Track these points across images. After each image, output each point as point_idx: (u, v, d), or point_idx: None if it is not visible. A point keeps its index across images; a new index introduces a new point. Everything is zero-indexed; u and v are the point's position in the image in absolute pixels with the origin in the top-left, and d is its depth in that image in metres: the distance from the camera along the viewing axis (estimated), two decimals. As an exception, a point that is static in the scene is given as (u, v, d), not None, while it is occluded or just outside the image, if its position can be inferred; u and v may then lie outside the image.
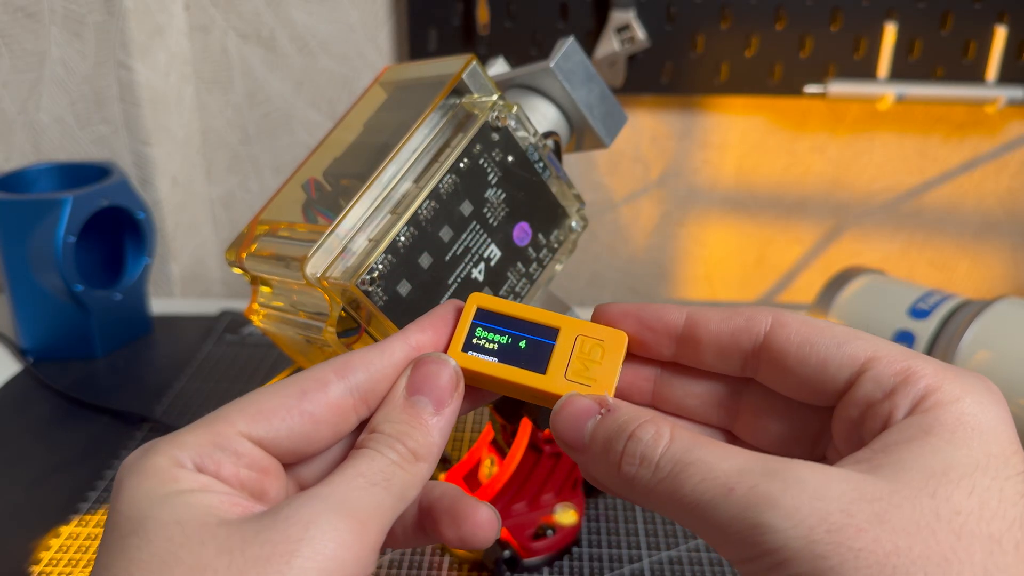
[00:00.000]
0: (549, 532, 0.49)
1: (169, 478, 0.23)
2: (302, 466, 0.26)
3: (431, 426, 0.25)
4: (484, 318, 0.28)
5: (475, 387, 0.28)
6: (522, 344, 0.28)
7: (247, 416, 0.24)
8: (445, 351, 0.27)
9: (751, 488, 0.21)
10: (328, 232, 0.37)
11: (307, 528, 0.21)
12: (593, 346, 0.28)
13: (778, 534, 0.20)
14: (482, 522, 0.26)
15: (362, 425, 0.26)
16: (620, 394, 0.28)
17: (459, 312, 0.28)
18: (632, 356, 0.28)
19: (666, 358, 0.28)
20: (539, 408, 0.41)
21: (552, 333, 0.28)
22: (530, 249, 0.42)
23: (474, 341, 0.28)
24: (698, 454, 0.23)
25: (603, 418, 0.25)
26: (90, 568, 0.49)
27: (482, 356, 0.27)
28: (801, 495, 0.20)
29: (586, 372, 0.27)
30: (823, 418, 0.26)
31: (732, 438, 0.28)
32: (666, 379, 0.28)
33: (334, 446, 0.27)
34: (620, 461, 0.24)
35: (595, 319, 0.29)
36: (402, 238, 0.37)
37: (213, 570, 0.20)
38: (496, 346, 0.28)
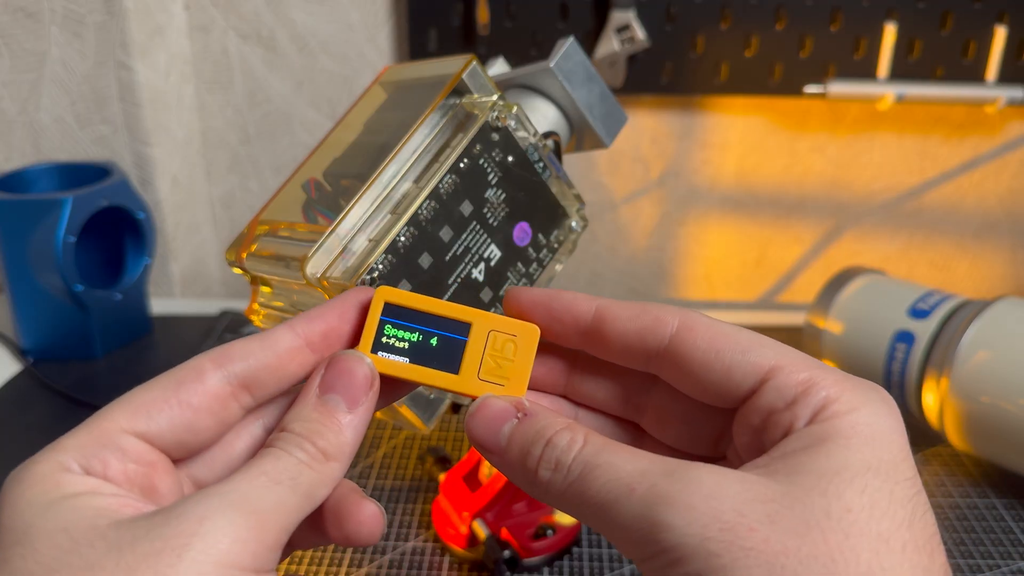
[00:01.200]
0: (549, 532, 0.49)
1: (53, 484, 0.22)
2: (201, 467, 0.26)
3: (344, 425, 0.25)
4: (393, 314, 0.27)
5: (389, 384, 0.27)
6: (433, 341, 0.27)
7: (127, 412, 0.24)
8: (349, 343, 0.27)
9: (650, 487, 0.22)
10: (328, 232, 0.37)
11: (201, 523, 0.21)
12: (505, 342, 0.27)
13: (674, 532, 0.21)
14: (365, 519, 0.25)
15: (265, 426, 0.26)
16: (534, 383, 0.28)
17: (361, 304, 0.27)
18: (545, 345, 0.28)
19: (574, 347, 0.28)
20: None
21: (464, 328, 0.27)
22: (530, 249, 0.42)
23: (383, 340, 0.27)
24: (605, 457, 0.23)
25: (520, 423, 0.25)
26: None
27: (392, 357, 0.27)
28: (696, 494, 0.21)
29: (499, 370, 0.27)
30: (726, 418, 0.26)
31: (640, 432, 0.29)
32: (578, 371, 0.29)
33: (238, 446, 0.26)
34: (537, 466, 0.24)
35: (506, 304, 0.28)
36: (402, 238, 0.37)
37: (102, 568, 0.20)
38: (407, 345, 0.27)
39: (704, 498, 0.21)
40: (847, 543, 0.20)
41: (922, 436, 0.63)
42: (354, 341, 0.27)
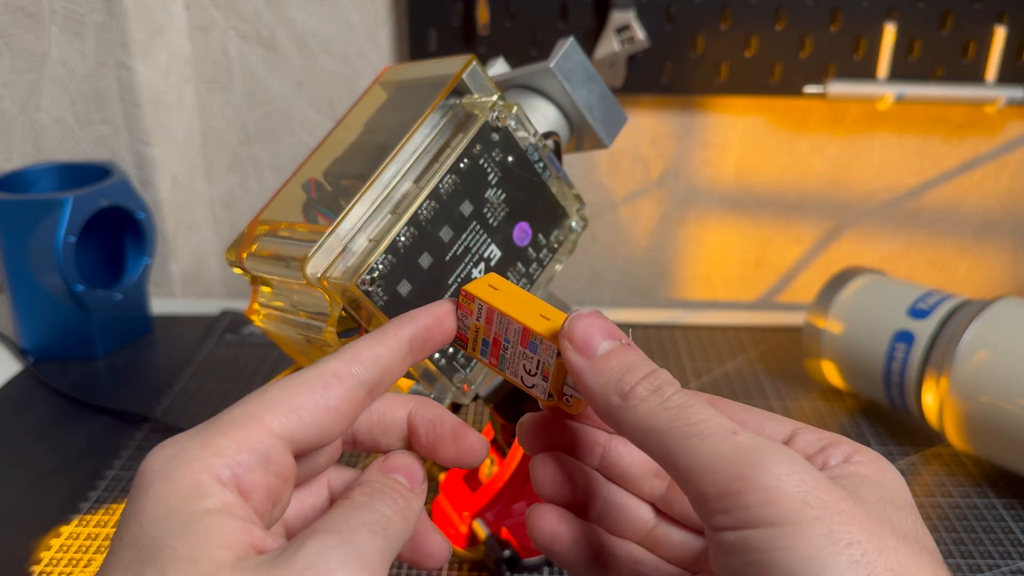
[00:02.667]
0: (549, 532, 0.49)
1: (197, 494, 0.22)
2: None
3: (413, 497, 0.26)
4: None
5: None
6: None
7: (280, 415, 0.24)
8: (439, 345, 0.28)
9: (752, 438, 0.23)
10: (328, 232, 0.37)
11: None
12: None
13: (775, 478, 0.22)
14: (435, 550, 0.28)
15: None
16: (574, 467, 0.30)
17: (447, 311, 0.29)
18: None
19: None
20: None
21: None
22: (530, 249, 0.42)
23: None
24: (703, 406, 0.24)
25: (625, 346, 0.26)
26: (91, 568, 0.49)
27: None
28: (794, 458, 0.23)
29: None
30: None
31: (658, 512, 0.30)
32: (612, 448, 0.30)
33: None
34: (638, 383, 0.25)
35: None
36: (402, 238, 0.37)
37: None
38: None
39: (803, 465, 0.22)
40: (907, 537, 0.23)
41: (922, 436, 0.63)
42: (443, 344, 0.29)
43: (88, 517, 0.54)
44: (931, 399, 0.58)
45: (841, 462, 0.25)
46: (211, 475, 0.22)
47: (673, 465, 0.23)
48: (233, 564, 0.21)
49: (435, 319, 0.28)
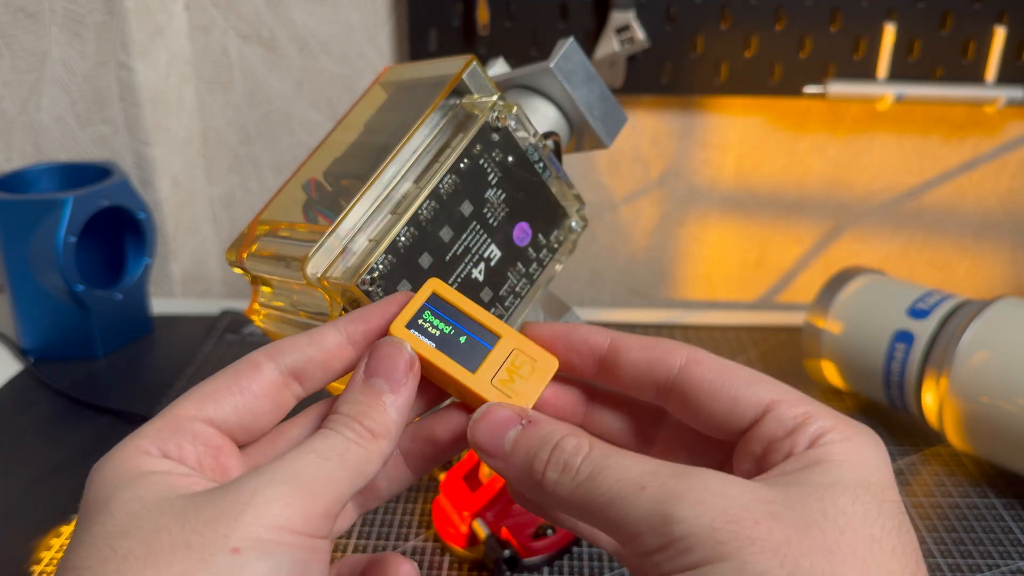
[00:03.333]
0: (549, 531, 0.49)
1: (133, 465, 0.25)
2: (263, 454, 0.28)
3: (388, 405, 0.27)
4: (436, 304, 0.30)
5: (428, 386, 0.29)
6: (462, 339, 0.29)
7: (195, 401, 0.27)
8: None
9: (661, 485, 0.24)
10: (328, 232, 0.37)
11: (254, 494, 0.23)
12: (525, 362, 0.29)
13: (684, 523, 0.22)
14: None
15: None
16: (555, 413, 0.30)
17: (401, 306, 0.30)
18: (564, 379, 0.31)
19: (590, 377, 0.30)
20: None
21: (493, 338, 0.30)
22: (530, 249, 0.42)
23: (419, 322, 0.29)
24: (614, 459, 0.25)
25: (525, 429, 0.27)
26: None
27: (421, 337, 0.29)
28: (705, 492, 0.23)
29: (511, 384, 0.29)
30: (727, 450, 0.28)
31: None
32: (595, 404, 0.31)
33: (295, 434, 0.29)
34: (545, 469, 0.26)
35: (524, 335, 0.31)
36: (402, 238, 0.37)
37: (167, 531, 0.22)
38: (438, 332, 0.29)
39: (712, 495, 0.23)
40: (843, 538, 0.22)
41: (922, 436, 0.63)
42: None
43: (88, 517, 0.54)
44: (931, 399, 0.58)
45: (807, 446, 0.25)
46: (140, 451, 0.25)
47: (604, 529, 0.25)
48: (177, 496, 0.23)
49: (377, 313, 0.30)
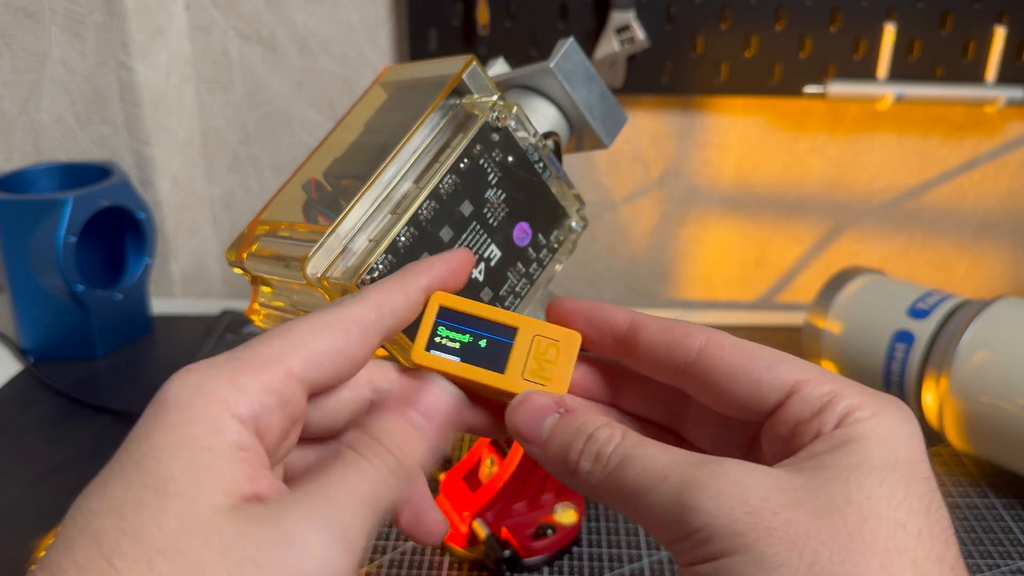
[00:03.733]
0: (549, 532, 0.49)
1: (214, 428, 0.22)
2: (314, 409, 0.27)
3: (424, 441, 0.26)
4: (447, 316, 0.30)
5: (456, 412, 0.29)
6: (482, 343, 0.29)
7: (302, 359, 0.24)
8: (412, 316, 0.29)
9: (682, 475, 0.23)
10: (328, 232, 0.37)
11: (292, 540, 0.21)
12: (548, 346, 0.29)
13: (703, 513, 0.22)
14: (433, 526, 0.29)
15: None
16: (587, 394, 0.30)
17: (469, 261, 0.30)
18: (595, 361, 0.31)
19: (610, 356, 0.30)
20: None
21: (511, 332, 0.29)
22: (530, 249, 0.42)
23: (437, 340, 0.29)
24: (641, 450, 0.25)
25: (562, 418, 0.27)
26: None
27: (445, 355, 0.29)
28: (725, 481, 0.23)
29: (542, 371, 0.29)
30: (755, 429, 0.28)
31: (680, 440, 0.30)
32: (626, 384, 0.31)
33: (345, 394, 0.28)
34: (579, 459, 0.26)
35: (549, 312, 0.31)
36: (402, 238, 0.37)
37: (202, 559, 0.21)
38: (458, 345, 0.29)
39: (732, 484, 0.23)
40: (866, 525, 0.22)
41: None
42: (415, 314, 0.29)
43: (88, 517, 0.54)
44: (931, 399, 0.58)
45: (835, 426, 0.24)
46: (232, 412, 0.23)
47: (635, 519, 0.25)
48: (228, 512, 0.21)
49: (451, 269, 0.29)
